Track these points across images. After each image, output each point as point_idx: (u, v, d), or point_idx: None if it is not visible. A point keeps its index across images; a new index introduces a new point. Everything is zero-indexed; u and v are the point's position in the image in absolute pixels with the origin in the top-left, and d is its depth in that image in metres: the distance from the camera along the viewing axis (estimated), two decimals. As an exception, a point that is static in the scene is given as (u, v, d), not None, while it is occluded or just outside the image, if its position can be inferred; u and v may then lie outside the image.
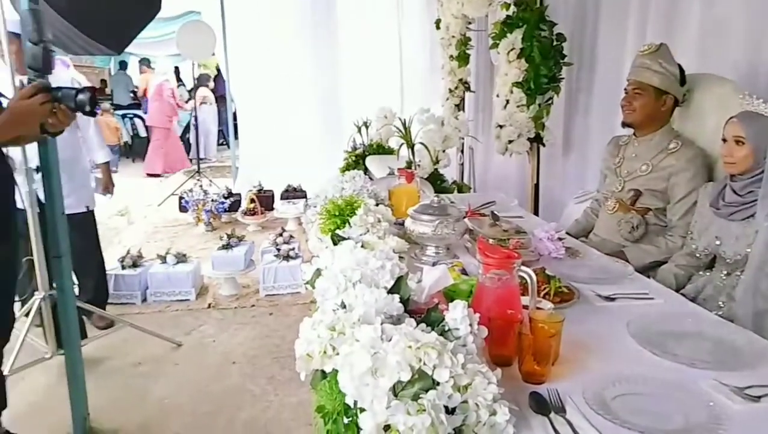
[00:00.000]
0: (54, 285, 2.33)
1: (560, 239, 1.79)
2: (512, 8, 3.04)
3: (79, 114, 1.76)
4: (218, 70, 9.34)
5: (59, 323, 2.34)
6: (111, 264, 3.74)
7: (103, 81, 10.87)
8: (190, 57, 6.86)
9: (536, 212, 3.16)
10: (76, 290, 2.83)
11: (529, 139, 3.10)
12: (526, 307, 1.18)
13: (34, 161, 2.17)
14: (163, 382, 2.73)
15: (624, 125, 2.16)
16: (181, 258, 3.82)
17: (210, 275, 3.87)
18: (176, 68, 10.61)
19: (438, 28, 4.21)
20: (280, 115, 5.89)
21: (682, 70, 2.06)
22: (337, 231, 1.62)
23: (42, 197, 2.19)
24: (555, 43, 2.96)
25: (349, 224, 1.64)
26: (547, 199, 3.38)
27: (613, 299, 1.45)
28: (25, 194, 2.46)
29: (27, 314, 2.63)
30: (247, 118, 6.30)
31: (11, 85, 2.28)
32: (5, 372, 2.29)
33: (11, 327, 2.09)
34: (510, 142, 3.09)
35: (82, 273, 3.11)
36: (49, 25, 1.92)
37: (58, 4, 2.08)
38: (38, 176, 2.15)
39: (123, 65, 10.09)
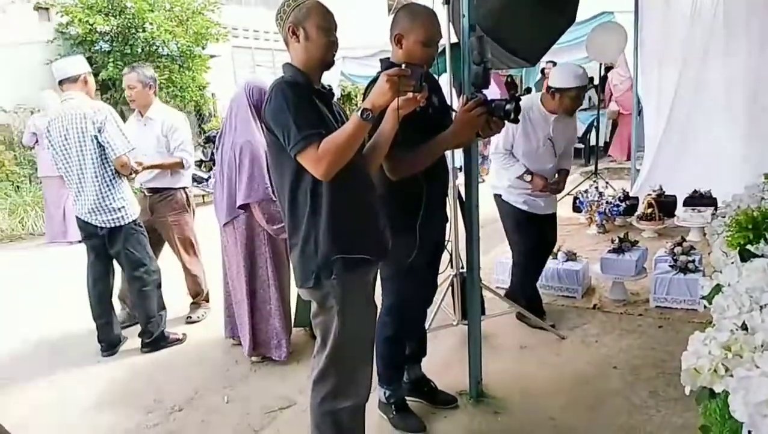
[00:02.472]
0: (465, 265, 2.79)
1: None
2: None
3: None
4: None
5: (465, 297, 2.79)
6: (508, 254, 4.17)
7: (510, 82, 11.73)
8: (598, 59, 6.87)
9: None
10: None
11: None
12: None
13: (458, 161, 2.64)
14: (544, 368, 2.92)
15: None
16: (571, 256, 3.95)
17: (598, 277, 3.88)
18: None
19: None
20: (692, 113, 5.34)
21: None
22: (748, 246, 1.44)
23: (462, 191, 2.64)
24: None
25: (765, 239, 1.43)
26: None
27: None
28: (451, 188, 3.01)
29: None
30: (654, 117, 5.93)
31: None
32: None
33: (434, 294, 2.61)
34: None
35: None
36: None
37: (489, 28, 2.46)
38: (461, 174, 2.61)
39: (542, 72, 10.79)
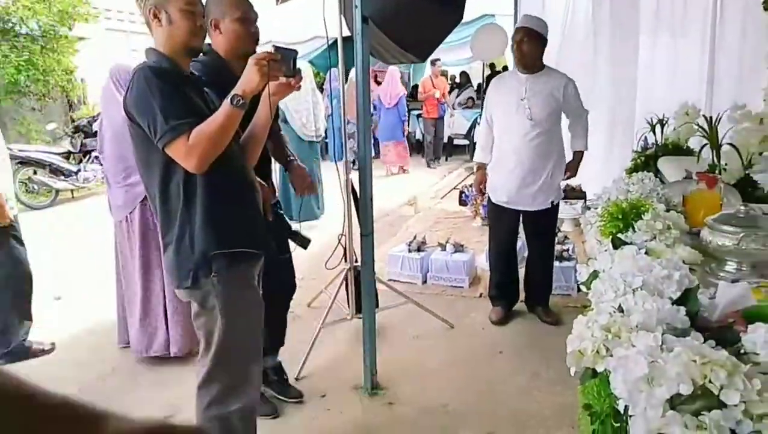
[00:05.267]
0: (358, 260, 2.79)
1: None
2: None
3: None
4: (505, 69, 9.58)
5: (360, 291, 2.79)
6: (399, 247, 4.25)
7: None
8: (482, 59, 7.23)
9: None
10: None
11: None
12: None
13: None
14: (436, 357, 3.01)
15: None
16: (459, 248, 4.11)
17: (483, 267, 4.07)
18: (463, 72, 11.27)
19: (767, 9, 3.57)
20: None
21: None
22: (619, 235, 1.56)
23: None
24: None
25: (633, 228, 1.57)
26: None
27: None
28: (343, 182, 3.00)
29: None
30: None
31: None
32: (319, 326, 2.87)
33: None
34: None
35: None
36: (373, 40, 2.30)
37: (381, 21, 2.46)
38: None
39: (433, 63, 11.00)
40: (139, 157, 1.73)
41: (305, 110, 5.36)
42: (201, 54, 1.83)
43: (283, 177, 5.46)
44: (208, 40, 1.94)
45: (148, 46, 1.73)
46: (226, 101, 1.58)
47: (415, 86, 11.28)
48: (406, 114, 9.49)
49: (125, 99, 1.64)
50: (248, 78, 1.59)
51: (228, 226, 1.74)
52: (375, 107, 9.44)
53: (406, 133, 9.46)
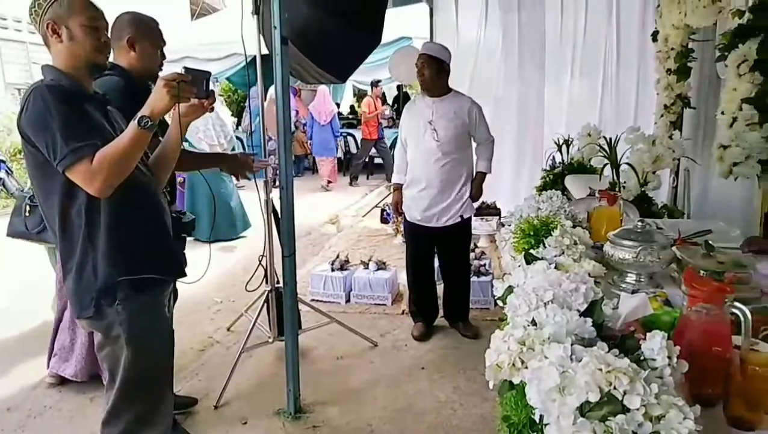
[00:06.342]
0: (280, 281, 2.74)
1: (793, 277, 1.57)
2: (747, 16, 2.70)
3: None
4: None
5: (281, 313, 2.73)
6: (322, 266, 4.22)
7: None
8: (400, 81, 7.39)
9: (766, 246, 2.74)
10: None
11: (760, 161, 2.72)
12: (738, 347, 1.08)
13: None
14: (360, 376, 3.00)
15: None
16: (381, 266, 4.14)
17: (405, 284, 4.11)
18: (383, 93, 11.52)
19: (654, 40, 3.92)
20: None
21: None
22: (531, 251, 1.64)
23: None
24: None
25: (544, 244, 1.65)
26: (782, 231, 2.90)
27: None
28: (263, 202, 2.95)
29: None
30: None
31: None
32: (239, 351, 2.78)
33: None
34: (735, 164, 2.75)
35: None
36: (292, 60, 2.29)
37: (300, 42, 2.47)
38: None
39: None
40: (36, 180, 1.61)
41: (203, 126, 5.40)
42: (106, 71, 1.75)
43: (192, 196, 5.32)
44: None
45: (44, 63, 1.63)
46: (133, 122, 1.51)
47: (338, 104, 11.36)
48: (339, 131, 9.75)
49: (19, 119, 1.52)
50: (156, 99, 1.53)
51: (134, 251, 1.66)
52: (307, 124, 9.52)
53: (338, 150, 9.75)
